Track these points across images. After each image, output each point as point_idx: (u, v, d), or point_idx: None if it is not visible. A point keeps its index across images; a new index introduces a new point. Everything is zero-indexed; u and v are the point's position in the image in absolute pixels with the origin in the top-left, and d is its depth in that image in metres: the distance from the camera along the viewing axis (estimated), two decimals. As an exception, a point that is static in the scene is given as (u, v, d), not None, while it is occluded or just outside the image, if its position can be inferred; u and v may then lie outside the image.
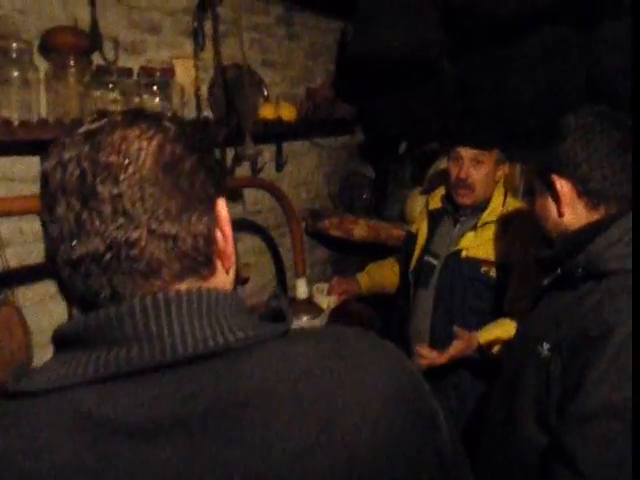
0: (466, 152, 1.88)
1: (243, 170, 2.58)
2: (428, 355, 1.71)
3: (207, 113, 2.36)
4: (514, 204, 1.95)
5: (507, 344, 1.42)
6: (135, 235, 0.55)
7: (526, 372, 1.18)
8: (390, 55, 2.36)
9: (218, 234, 0.63)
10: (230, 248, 0.65)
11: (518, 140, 2.72)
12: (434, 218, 2.06)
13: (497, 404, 1.32)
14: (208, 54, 2.35)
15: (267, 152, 2.72)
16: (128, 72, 1.96)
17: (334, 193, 3.10)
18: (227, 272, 0.66)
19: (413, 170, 2.83)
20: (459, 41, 2.55)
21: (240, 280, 2.64)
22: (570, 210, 1.17)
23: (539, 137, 2.63)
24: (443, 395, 1.93)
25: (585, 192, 1.15)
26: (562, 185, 1.17)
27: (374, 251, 2.69)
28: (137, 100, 1.98)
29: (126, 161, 0.57)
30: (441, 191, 2.09)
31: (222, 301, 0.60)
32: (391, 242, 2.57)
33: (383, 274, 2.33)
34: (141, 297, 0.55)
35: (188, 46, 2.28)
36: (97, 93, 1.91)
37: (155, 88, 2.02)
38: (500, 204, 1.92)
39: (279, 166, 2.77)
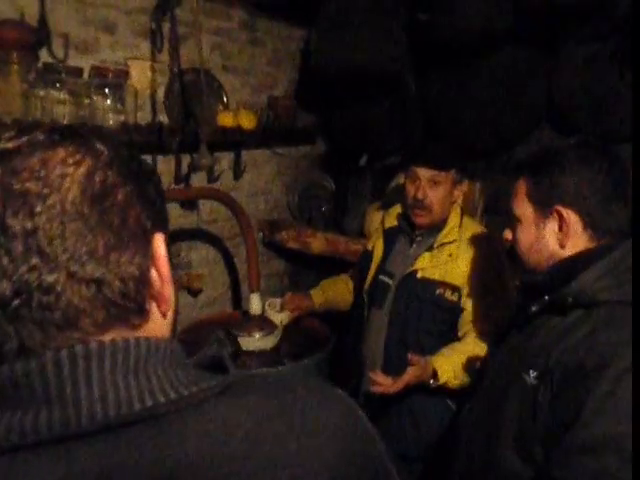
0: (423, 172, 1.84)
1: (199, 178, 2.49)
2: (382, 382, 1.66)
3: (163, 118, 2.27)
4: (471, 225, 1.93)
5: (484, 370, 1.38)
6: (51, 279, 0.47)
7: (509, 400, 1.14)
8: (352, 68, 2.33)
9: (153, 274, 0.56)
10: (167, 290, 0.57)
11: (477, 158, 2.74)
12: (390, 236, 2.02)
13: (474, 431, 1.28)
14: (166, 57, 2.26)
15: (225, 160, 2.64)
16: (78, 71, 1.87)
17: (293, 204, 3.04)
18: (164, 316, 0.58)
19: (373, 184, 2.80)
20: (423, 58, 2.54)
21: (193, 292, 2.55)
22: (572, 242, 1.15)
23: (498, 156, 2.68)
24: (396, 420, 1.89)
25: (591, 225, 1.13)
26: (569, 216, 1.14)
27: (332, 265, 2.64)
28: (87, 101, 1.88)
29: (45, 190, 0.49)
30: (397, 209, 2.04)
31: (155, 353, 0.53)
32: (349, 257, 2.52)
33: (337, 291, 2.28)
34: (55, 350, 0.47)
35: (145, 47, 2.19)
36: (42, 92, 1.80)
37: (107, 90, 1.92)
38: (457, 225, 1.89)
39: (237, 175, 2.70)
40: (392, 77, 2.54)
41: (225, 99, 2.54)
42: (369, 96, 2.67)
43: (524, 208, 1.21)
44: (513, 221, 1.26)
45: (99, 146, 0.55)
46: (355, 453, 0.57)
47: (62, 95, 1.85)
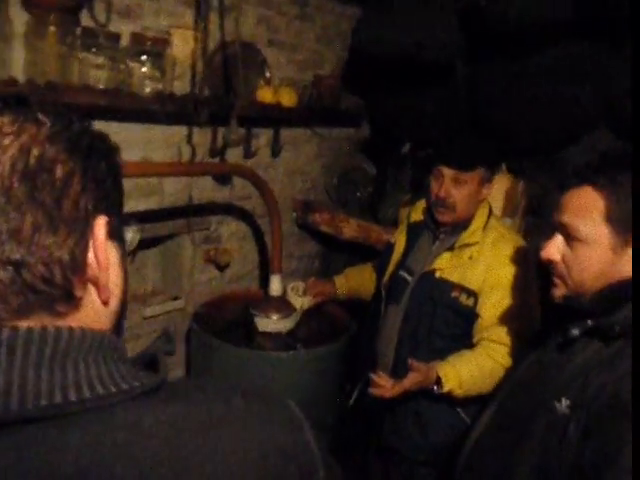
0: (447, 171, 1.76)
1: (236, 153, 2.47)
2: (383, 384, 1.61)
3: (202, 89, 2.25)
4: (497, 227, 1.82)
5: (510, 388, 1.30)
6: None
7: (533, 427, 1.07)
8: (400, 50, 2.23)
9: (91, 259, 0.53)
10: (105, 277, 0.54)
11: (525, 156, 2.60)
12: (414, 231, 1.95)
13: (487, 453, 1.21)
14: (210, 27, 2.23)
15: (264, 136, 2.61)
16: (117, 37, 1.85)
17: (331, 186, 2.99)
18: (105, 304, 0.55)
19: (413, 174, 2.70)
20: (476, 48, 2.41)
21: (219, 266, 2.55)
22: None
23: (547, 156, 2.53)
24: (402, 422, 1.84)
25: None
26: None
27: (364, 252, 2.59)
28: (123, 67, 1.88)
29: None
30: (424, 203, 1.97)
31: (78, 344, 0.49)
32: (380, 246, 2.46)
33: (361, 280, 2.23)
34: None
35: (189, 16, 2.16)
36: (81, 56, 1.81)
37: (144, 58, 1.91)
38: (481, 226, 1.79)
39: (275, 152, 2.66)
40: (442, 64, 2.42)
41: (267, 74, 2.49)
42: (417, 83, 2.56)
43: (598, 229, 1.01)
44: (568, 237, 1.07)
45: (42, 118, 0.51)
46: (286, 476, 0.53)
47: (100, 60, 1.85)
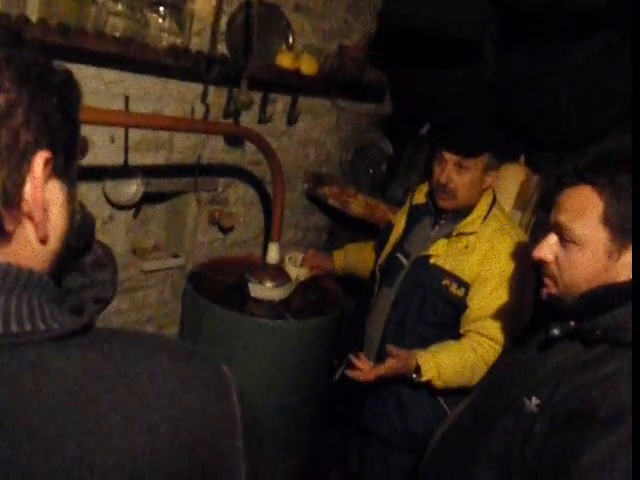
0: (450, 155, 1.71)
1: (251, 116, 2.44)
2: (360, 367, 1.60)
3: (221, 48, 2.22)
4: (499, 218, 1.76)
5: (485, 383, 1.28)
6: None
7: (501, 419, 1.05)
8: (427, 24, 2.15)
9: (28, 195, 0.52)
10: (40, 214, 0.52)
11: (547, 149, 2.53)
12: (415, 213, 1.91)
13: (455, 444, 1.20)
14: (234, -15, 2.19)
15: (281, 102, 2.57)
16: (136, -15, 1.82)
17: (345, 161, 2.95)
18: (43, 242, 0.54)
19: (428, 156, 2.64)
20: (507, 32, 2.32)
21: (223, 229, 2.55)
22: None
23: (569, 152, 2.46)
24: (383, 406, 1.84)
25: None
26: None
27: (371, 229, 2.56)
28: (140, 17, 1.85)
29: None
30: (427, 186, 1.92)
31: (1, 278, 0.49)
32: (383, 225, 2.43)
33: (360, 257, 2.21)
34: None
35: (214, -28, 2.11)
36: (101, 1, 1.79)
37: (162, 9, 1.88)
38: (482, 215, 1.74)
39: (290, 120, 2.62)
40: (470, 43, 2.34)
41: (291, 40, 2.44)
42: (443, 62, 2.49)
43: (594, 231, 0.97)
44: (563, 238, 1.02)
45: None
46: (198, 443, 0.52)
47: (119, 7, 1.83)
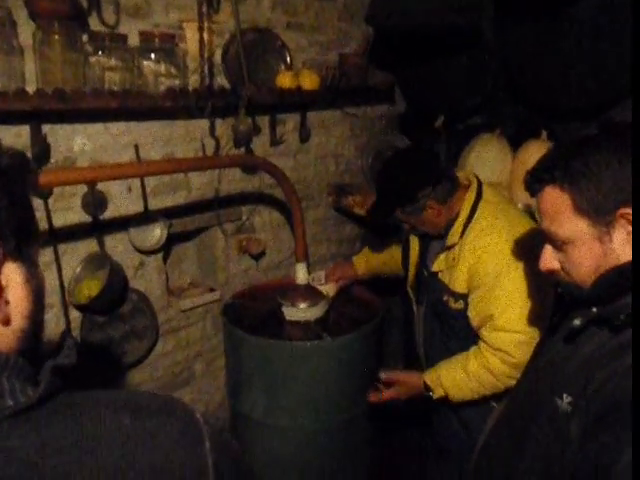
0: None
1: (262, 141, 2.46)
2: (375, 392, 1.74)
3: (221, 81, 2.25)
4: (484, 217, 1.68)
5: (519, 382, 1.24)
6: None
7: (536, 423, 1.00)
8: (417, 18, 2.12)
9: None
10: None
11: (567, 120, 2.42)
12: None
13: (496, 452, 1.15)
14: (222, 17, 2.21)
15: (291, 122, 2.58)
16: (123, 38, 1.87)
17: (367, 167, 2.92)
18: (4, 324, 0.57)
19: (448, 148, 2.59)
20: (503, 7, 2.25)
21: (253, 256, 2.56)
22: None
23: (590, 119, 2.35)
24: (447, 422, 1.85)
25: None
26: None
27: (400, 231, 2.52)
28: (134, 67, 1.90)
29: None
30: None
31: None
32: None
33: (381, 258, 2.23)
34: None
35: (199, 8, 2.14)
36: (93, 59, 1.84)
37: (153, 55, 1.92)
38: (463, 222, 1.69)
39: (303, 137, 2.62)
40: (468, 29, 2.29)
41: (288, 59, 2.45)
42: (444, 51, 2.44)
43: (574, 225, 0.96)
44: (556, 245, 1.01)
45: None
46: None
47: (112, 62, 1.88)
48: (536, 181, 1.01)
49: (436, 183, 1.68)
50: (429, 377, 1.64)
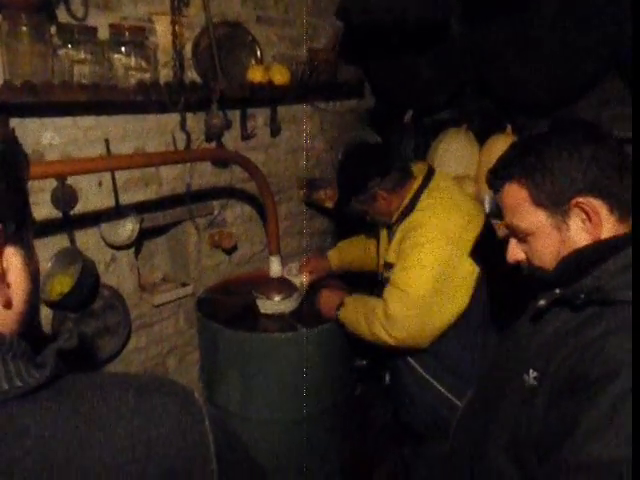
0: None
1: (233, 136, 2.46)
2: None
3: (191, 75, 2.24)
4: (424, 200, 1.80)
5: (489, 362, 1.28)
6: None
7: (506, 399, 1.06)
8: (386, 13, 2.15)
9: None
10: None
11: (537, 115, 2.49)
12: None
13: (469, 428, 1.20)
14: (192, 11, 2.21)
15: (261, 117, 2.59)
16: (93, 31, 1.85)
17: (336, 161, 2.95)
18: (6, 307, 0.58)
19: (417, 142, 2.64)
20: (473, 6, 2.31)
21: (226, 250, 2.56)
22: (605, 230, 0.99)
23: (557, 112, 2.42)
24: (402, 399, 1.92)
25: (616, 204, 0.98)
26: (592, 204, 0.98)
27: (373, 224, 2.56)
28: (103, 60, 1.88)
29: None
30: None
31: None
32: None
33: (354, 254, 2.28)
34: None
35: (169, 1, 2.13)
36: (61, 52, 1.82)
37: (123, 48, 1.90)
38: (404, 206, 1.83)
39: (274, 132, 2.63)
40: (437, 24, 2.33)
41: (259, 53, 2.45)
42: (413, 46, 2.48)
43: (534, 217, 1.04)
44: (519, 237, 1.09)
45: None
46: (169, 474, 0.54)
47: (81, 55, 1.86)
48: (496, 178, 1.10)
49: (384, 174, 1.82)
50: (348, 297, 1.89)
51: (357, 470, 2.39)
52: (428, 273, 1.65)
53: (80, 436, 0.52)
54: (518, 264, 1.13)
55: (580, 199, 0.97)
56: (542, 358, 0.98)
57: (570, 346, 0.93)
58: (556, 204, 1.00)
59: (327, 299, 1.96)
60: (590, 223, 0.98)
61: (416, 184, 1.83)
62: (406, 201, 1.82)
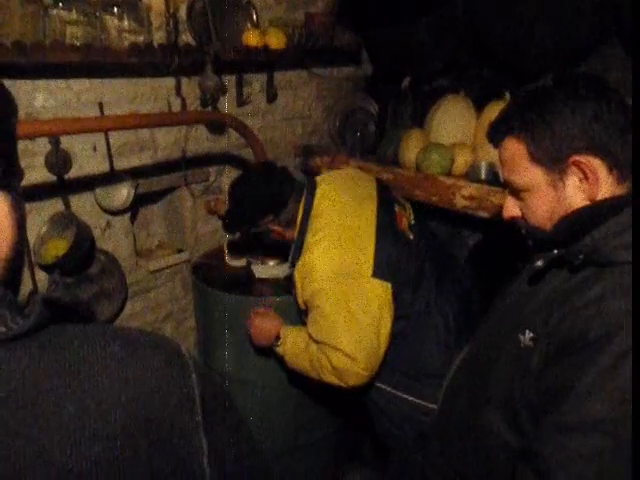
0: None
1: (229, 101, 2.44)
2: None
3: (186, 38, 2.21)
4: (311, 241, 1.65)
5: (485, 321, 1.26)
6: None
7: (500, 360, 1.05)
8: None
9: None
10: None
11: (533, 80, 2.47)
12: None
13: (463, 387, 1.20)
14: (187, -29, 2.17)
15: (257, 82, 2.56)
16: (84, -10, 1.82)
17: (334, 129, 2.93)
18: None
19: (414, 109, 2.61)
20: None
21: (221, 216, 2.56)
22: (603, 190, 0.97)
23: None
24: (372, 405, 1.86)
25: (615, 164, 0.97)
26: (591, 163, 0.96)
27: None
28: (95, 21, 1.85)
29: None
30: None
31: None
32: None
33: None
34: None
35: (163, -38, 2.09)
36: (54, 12, 1.79)
37: (116, 9, 1.87)
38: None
39: (270, 98, 2.61)
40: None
41: (255, 16, 2.42)
42: (411, 12, 2.44)
43: (530, 173, 1.02)
44: (515, 194, 1.08)
45: None
46: (154, 423, 0.54)
47: (73, 16, 1.83)
48: (496, 132, 1.08)
49: (280, 209, 1.72)
50: (285, 330, 1.73)
51: (348, 436, 2.43)
52: (346, 318, 1.53)
53: (64, 384, 0.51)
54: (513, 220, 1.12)
55: (578, 157, 0.96)
56: (538, 319, 0.98)
57: (567, 307, 0.93)
58: (554, 161, 0.99)
59: (261, 330, 1.81)
60: (587, 183, 0.97)
61: (299, 214, 1.72)
62: (295, 234, 1.73)
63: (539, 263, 1.03)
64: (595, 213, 0.96)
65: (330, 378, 1.58)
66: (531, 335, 0.98)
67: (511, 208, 1.11)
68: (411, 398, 1.71)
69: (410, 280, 1.66)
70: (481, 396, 1.09)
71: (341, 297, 1.54)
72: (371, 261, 1.57)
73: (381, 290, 1.57)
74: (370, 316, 1.54)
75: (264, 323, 1.80)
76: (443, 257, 1.87)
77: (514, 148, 1.03)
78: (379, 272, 1.56)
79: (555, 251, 1.02)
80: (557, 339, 0.92)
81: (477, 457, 1.09)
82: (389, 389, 1.73)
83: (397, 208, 1.79)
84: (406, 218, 1.79)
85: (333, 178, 1.83)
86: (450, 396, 1.26)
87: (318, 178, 1.81)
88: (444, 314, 1.70)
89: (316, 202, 1.70)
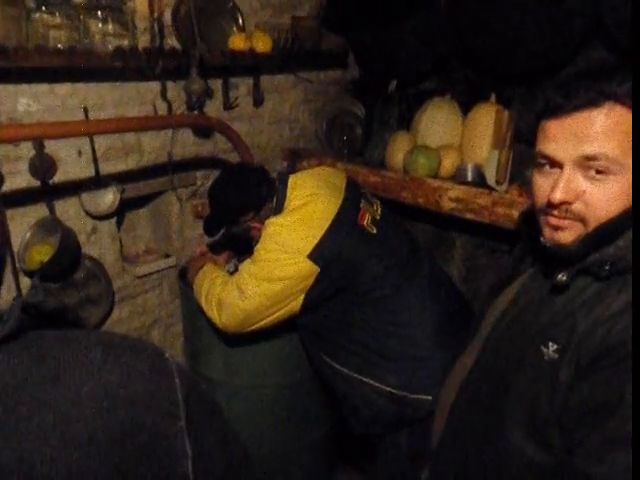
0: None
1: (216, 105, 2.43)
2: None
3: (172, 42, 2.20)
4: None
5: (493, 326, 1.15)
6: None
7: (520, 373, 0.99)
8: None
9: None
10: None
11: (518, 83, 2.48)
12: None
13: (478, 398, 1.12)
14: (172, -25, 2.16)
15: (244, 86, 2.55)
16: (68, -6, 1.80)
17: (321, 132, 2.92)
18: None
19: (400, 112, 2.62)
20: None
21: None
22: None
23: (540, 81, 2.41)
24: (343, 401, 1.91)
25: None
26: None
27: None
28: (79, 25, 1.83)
29: None
30: None
31: None
32: (363, 190, 2.41)
33: None
34: None
35: (148, -35, 2.08)
36: (36, 16, 1.78)
37: (99, 13, 1.86)
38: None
39: (257, 101, 2.60)
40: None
41: (240, 21, 2.41)
42: (397, 15, 2.45)
43: (627, 155, 0.85)
44: (589, 174, 0.89)
45: None
46: (138, 429, 0.53)
47: (57, 19, 1.82)
48: (591, 90, 0.87)
49: (259, 208, 1.83)
50: (208, 266, 1.97)
51: (338, 439, 2.42)
52: (263, 276, 1.67)
53: (44, 390, 0.51)
54: (559, 205, 0.92)
55: None
56: (560, 330, 0.92)
57: (595, 315, 0.88)
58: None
59: (195, 262, 2.06)
60: None
61: (274, 204, 1.83)
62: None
63: (563, 277, 0.94)
64: (624, 221, 0.89)
65: (212, 308, 1.78)
66: (555, 347, 0.92)
67: (566, 189, 0.90)
68: (377, 384, 1.73)
69: (366, 269, 1.70)
70: (499, 412, 1.02)
71: (272, 260, 1.66)
72: (314, 243, 1.64)
73: (308, 272, 1.64)
74: (281, 286, 1.65)
75: (197, 262, 2.05)
76: (411, 249, 1.88)
77: (620, 117, 0.86)
78: (316, 255, 1.64)
79: (577, 266, 0.94)
80: (587, 351, 0.87)
81: (499, 477, 1.03)
82: (351, 373, 1.77)
83: (363, 204, 1.83)
84: (370, 214, 1.82)
85: (306, 172, 1.96)
86: (458, 414, 1.18)
87: (292, 174, 1.90)
88: (410, 305, 1.73)
89: (288, 191, 1.79)
